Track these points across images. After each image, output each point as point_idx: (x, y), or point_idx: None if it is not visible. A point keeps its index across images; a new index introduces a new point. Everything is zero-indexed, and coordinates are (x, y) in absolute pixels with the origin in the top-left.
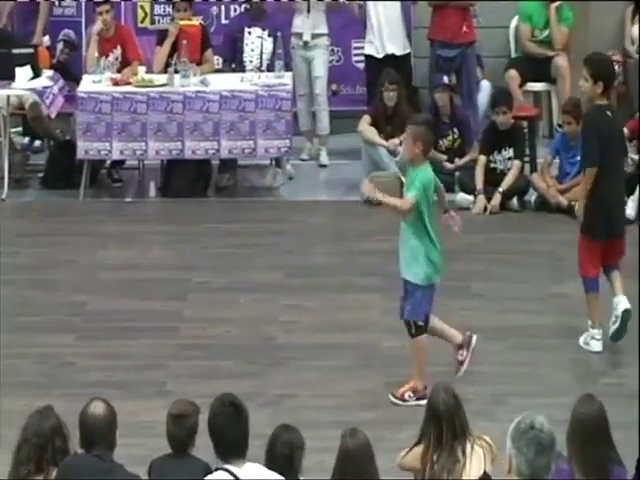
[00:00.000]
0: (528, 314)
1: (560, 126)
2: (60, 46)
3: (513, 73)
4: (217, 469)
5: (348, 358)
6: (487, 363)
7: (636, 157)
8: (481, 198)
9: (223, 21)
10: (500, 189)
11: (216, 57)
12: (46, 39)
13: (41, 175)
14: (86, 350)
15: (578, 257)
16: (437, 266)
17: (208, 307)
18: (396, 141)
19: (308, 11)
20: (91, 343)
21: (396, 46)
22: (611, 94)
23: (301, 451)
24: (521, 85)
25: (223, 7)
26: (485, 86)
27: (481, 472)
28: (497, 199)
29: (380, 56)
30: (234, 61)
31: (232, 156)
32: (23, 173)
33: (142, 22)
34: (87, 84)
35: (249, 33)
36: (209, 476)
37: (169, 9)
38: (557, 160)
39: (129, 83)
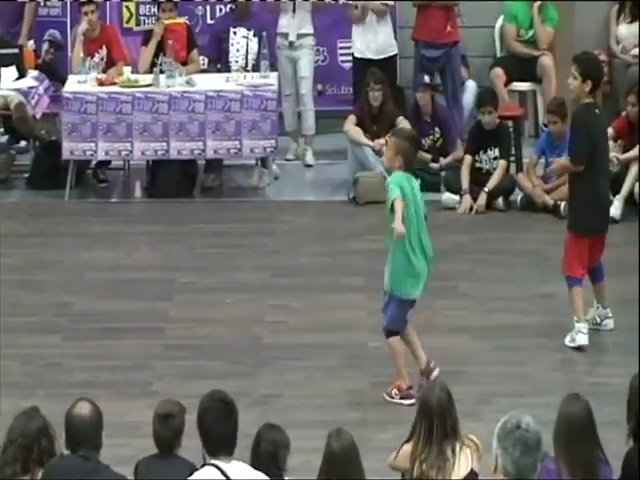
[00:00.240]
0: (514, 314)
1: (546, 125)
2: (45, 46)
3: (498, 71)
4: (204, 464)
5: (334, 358)
6: (473, 363)
7: (621, 157)
8: (467, 198)
9: (208, 21)
10: (486, 189)
11: (201, 57)
12: (31, 43)
13: (27, 175)
14: (72, 351)
15: (564, 256)
16: (417, 281)
17: (194, 307)
18: (382, 141)
19: (294, 11)
20: (77, 344)
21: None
22: (597, 94)
23: (285, 449)
24: (506, 85)
25: (208, 7)
26: (471, 86)
27: (468, 470)
28: (483, 199)
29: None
30: (219, 61)
31: (218, 156)
32: (8, 173)
33: (127, 22)
34: (72, 84)
35: (234, 33)
36: (197, 471)
37: (154, 9)
38: (542, 160)
39: (114, 83)
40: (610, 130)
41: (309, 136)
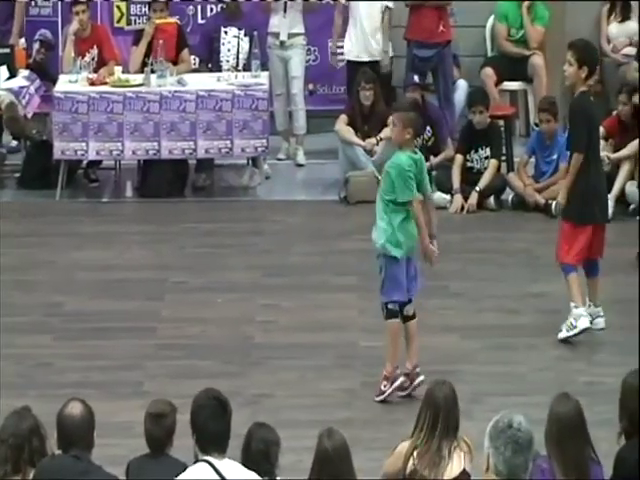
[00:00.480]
0: (506, 313)
1: (537, 125)
2: (36, 46)
3: (489, 71)
4: (197, 460)
5: (326, 357)
6: (465, 362)
7: (612, 156)
8: (458, 197)
9: (199, 21)
10: (477, 188)
11: (193, 57)
12: (22, 42)
13: (18, 175)
14: (63, 351)
15: (557, 245)
16: (410, 240)
17: (185, 307)
18: (373, 140)
19: (285, 11)
20: (68, 344)
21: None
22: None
23: (277, 447)
24: (497, 84)
25: (199, 7)
26: (462, 85)
27: (460, 470)
28: (474, 198)
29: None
30: (211, 61)
31: (209, 156)
32: None
33: (118, 22)
34: (63, 84)
35: (225, 33)
36: (190, 467)
37: (145, 9)
38: (533, 159)
39: (105, 83)
40: (601, 129)
41: (300, 136)
